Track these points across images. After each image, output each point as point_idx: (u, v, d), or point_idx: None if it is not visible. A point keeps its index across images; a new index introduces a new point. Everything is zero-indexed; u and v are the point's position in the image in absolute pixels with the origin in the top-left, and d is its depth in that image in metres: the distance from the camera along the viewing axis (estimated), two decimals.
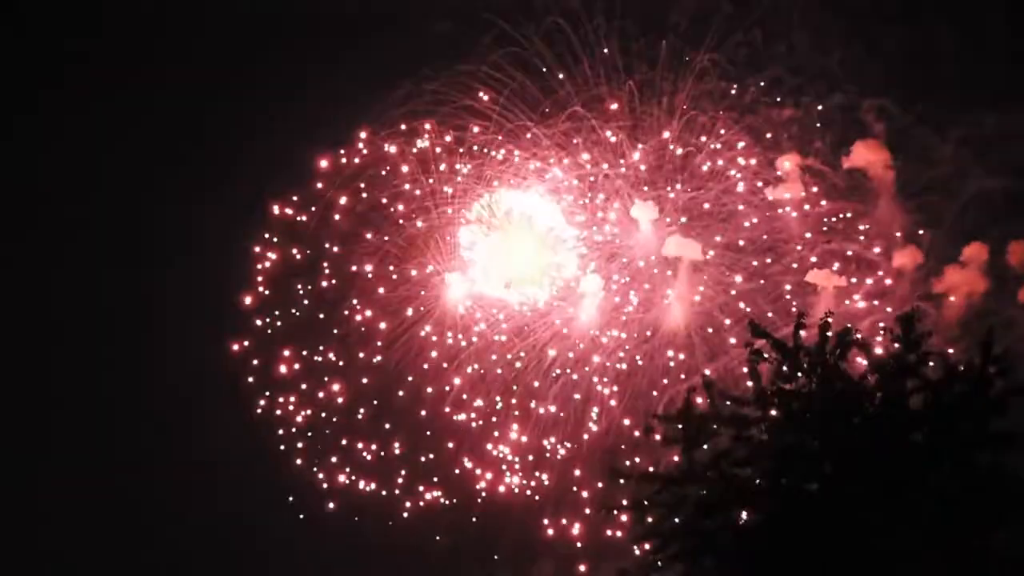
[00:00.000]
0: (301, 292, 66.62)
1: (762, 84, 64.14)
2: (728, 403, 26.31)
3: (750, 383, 26.93)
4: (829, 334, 26.32)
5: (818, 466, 25.29)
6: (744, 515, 25.57)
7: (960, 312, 59.54)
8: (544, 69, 64.59)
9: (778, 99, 63.89)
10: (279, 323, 66.54)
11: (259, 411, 65.98)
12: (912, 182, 62.16)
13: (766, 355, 26.39)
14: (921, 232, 61.91)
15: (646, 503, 25.86)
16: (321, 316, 66.31)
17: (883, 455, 25.04)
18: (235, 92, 68.28)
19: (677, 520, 25.71)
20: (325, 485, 65.52)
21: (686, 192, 64.11)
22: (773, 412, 25.90)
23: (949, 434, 25.28)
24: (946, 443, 25.25)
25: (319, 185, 66.03)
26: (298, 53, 67.75)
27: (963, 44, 60.93)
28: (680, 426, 26.23)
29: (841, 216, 62.96)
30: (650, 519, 25.98)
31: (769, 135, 63.76)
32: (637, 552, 26.84)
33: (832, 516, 24.77)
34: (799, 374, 26.03)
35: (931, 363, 25.73)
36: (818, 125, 63.48)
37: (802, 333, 27.24)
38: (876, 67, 62.62)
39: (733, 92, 64.16)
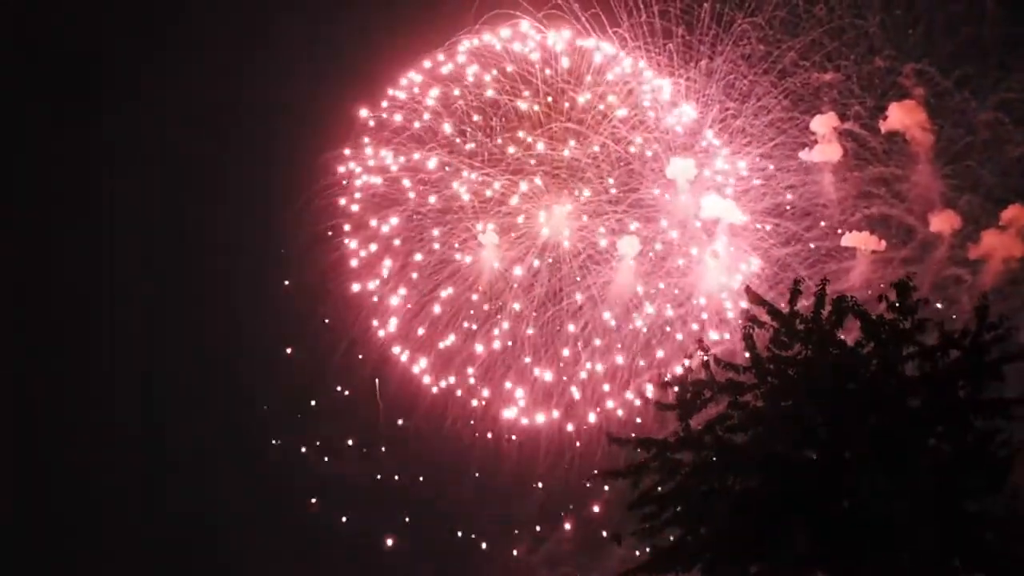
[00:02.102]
0: None
1: (801, 48, 63.61)
2: (724, 369, 26.61)
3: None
4: (826, 301, 26.58)
5: (813, 432, 25.54)
6: (739, 480, 25.86)
7: (997, 276, 59.16)
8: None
9: (816, 62, 63.45)
10: None
11: None
12: (951, 147, 61.67)
13: (763, 322, 26.68)
14: (959, 197, 61.38)
15: (642, 469, 26.23)
16: None
17: (878, 421, 25.31)
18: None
19: (673, 485, 26.08)
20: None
21: (725, 155, 63.91)
22: (769, 379, 26.17)
23: (944, 400, 25.52)
24: (941, 409, 25.49)
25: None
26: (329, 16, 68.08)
27: (1002, 8, 60.25)
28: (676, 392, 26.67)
29: (879, 180, 62.59)
30: (646, 484, 26.33)
31: (808, 99, 63.40)
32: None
33: (827, 481, 25.09)
34: (795, 341, 26.31)
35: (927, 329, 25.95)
36: (857, 89, 63.05)
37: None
38: (915, 31, 62.12)
39: (773, 56, 63.74)
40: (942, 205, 61.67)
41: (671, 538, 26.03)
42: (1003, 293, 57.21)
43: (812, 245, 62.99)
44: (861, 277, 60.27)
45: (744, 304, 28.64)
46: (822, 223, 63.47)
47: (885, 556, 24.39)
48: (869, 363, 25.85)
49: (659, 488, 26.14)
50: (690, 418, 26.22)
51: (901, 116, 61.14)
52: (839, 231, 62.76)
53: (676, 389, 26.67)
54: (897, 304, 25.99)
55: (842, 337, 26.29)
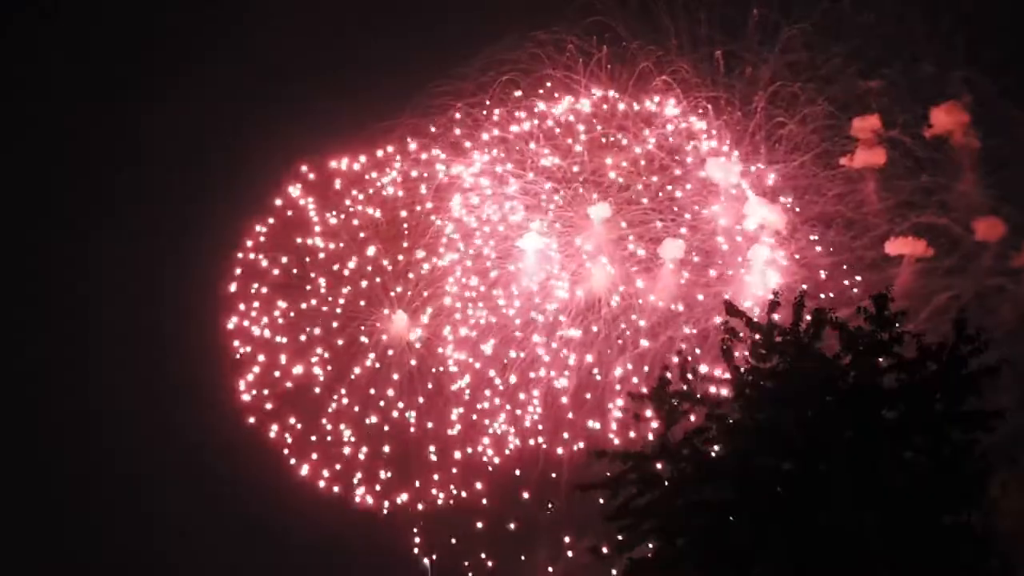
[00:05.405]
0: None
1: (846, 55, 63.06)
2: (703, 381, 26.75)
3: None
4: (804, 313, 26.64)
5: (791, 444, 25.58)
6: (716, 492, 25.95)
7: None
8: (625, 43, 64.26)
9: (861, 69, 62.90)
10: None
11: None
12: (995, 155, 60.94)
13: (741, 334, 26.79)
14: (1004, 206, 60.56)
15: (620, 481, 26.38)
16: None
17: (855, 433, 25.32)
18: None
19: (650, 497, 26.21)
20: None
21: (770, 165, 63.53)
22: (747, 390, 26.26)
23: (921, 412, 25.49)
24: (918, 421, 25.46)
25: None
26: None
27: None
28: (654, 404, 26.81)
29: (924, 189, 61.98)
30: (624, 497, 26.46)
31: (852, 106, 62.93)
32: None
33: (804, 493, 25.13)
34: (773, 353, 26.37)
35: (904, 341, 25.91)
36: (901, 96, 62.47)
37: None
38: (962, 38, 61.43)
39: (819, 64, 63.28)
40: (987, 212, 60.93)
41: (649, 549, 26.22)
42: None
43: (856, 254, 62.49)
44: (904, 287, 59.59)
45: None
46: (867, 232, 62.92)
47: (861, 569, 24.40)
48: (847, 375, 25.87)
49: (637, 500, 26.27)
50: (668, 430, 26.37)
51: (944, 119, 60.54)
52: (884, 240, 62.17)
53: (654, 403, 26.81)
54: (875, 316, 26.02)
55: (821, 349, 26.33)
